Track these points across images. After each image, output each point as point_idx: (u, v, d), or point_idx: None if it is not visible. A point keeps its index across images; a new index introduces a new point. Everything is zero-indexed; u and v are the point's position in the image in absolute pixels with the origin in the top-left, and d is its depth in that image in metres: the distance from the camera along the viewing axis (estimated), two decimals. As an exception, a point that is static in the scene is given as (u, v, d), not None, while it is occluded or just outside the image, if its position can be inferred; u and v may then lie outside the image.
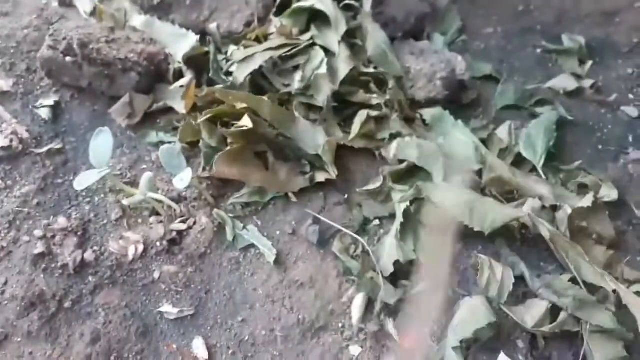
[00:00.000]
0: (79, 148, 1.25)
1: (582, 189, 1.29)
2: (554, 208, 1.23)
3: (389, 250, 1.10)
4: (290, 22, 1.42)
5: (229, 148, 1.19)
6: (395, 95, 1.34)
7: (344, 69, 1.31)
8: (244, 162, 1.22)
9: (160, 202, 1.16)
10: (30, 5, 1.51)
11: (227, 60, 1.38)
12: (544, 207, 1.23)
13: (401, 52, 1.46)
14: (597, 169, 1.39)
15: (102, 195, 1.18)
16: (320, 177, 1.21)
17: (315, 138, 1.24)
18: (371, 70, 1.37)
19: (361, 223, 1.19)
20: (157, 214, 1.17)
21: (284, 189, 1.22)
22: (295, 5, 1.42)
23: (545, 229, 1.15)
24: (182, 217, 1.17)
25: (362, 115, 1.32)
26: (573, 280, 1.09)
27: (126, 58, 1.29)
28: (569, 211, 1.19)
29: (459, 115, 1.40)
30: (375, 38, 1.42)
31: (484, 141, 1.37)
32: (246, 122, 1.20)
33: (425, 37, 1.58)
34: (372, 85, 1.37)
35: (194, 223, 1.16)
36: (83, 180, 1.05)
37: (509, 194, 1.28)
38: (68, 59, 1.25)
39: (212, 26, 1.45)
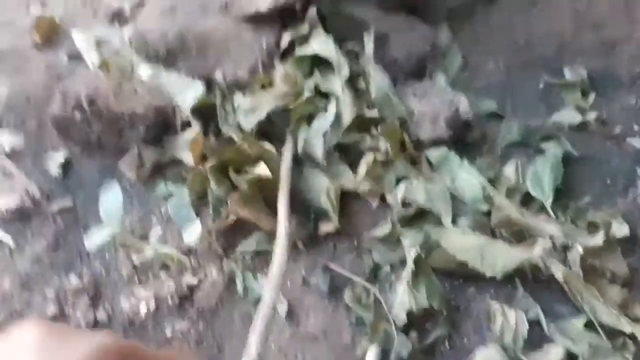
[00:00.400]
0: (89, 203, 1.26)
1: (593, 226, 1.28)
2: (565, 247, 1.23)
3: (401, 299, 1.09)
4: (294, 69, 1.44)
5: (241, 190, 1.20)
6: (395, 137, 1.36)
7: (347, 117, 1.32)
8: (255, 206, 1.23)
9: (170, 255, 1.16)
10: (39, 60, 1.55)
11: (234, 109, 1.40)
12: (554, 247, 1.23)
13: (404, 93, 1.47)
14: (607, 203, 1.38)
15: (113, 251, 1.18)
16: (327, 227, 1.22)
17: (319, 187, 1.25)
18: (375, 115, 1.38)
19: (372, 270, 1.19)
20: (168, 267, 1.17)
21: (292, 237, 1.22)
22: (298, 52, 1.44)
23: (558, 270, 1.15)
24: (192, 270, 1.17)
25: (368, 158, 1.33)
26: (589, 323, 1.08)
27: (134, 112, 1.31)
28: (581, 250, 1.19)
29: (464, 154, 1.40)
30: (377, 81, 1.43)
31: (491, 180, 1.37)
32: (263, 170, 1.21)
33: (428, 76, 1.59)
34: (377, 129, 1.38)
35: (205, 276, 1.16)
36: (94, 240, 1.07)
37: (519, 235, 1.27)
38: (77, 115, 1.28)
39: (218, 75, 1.47)
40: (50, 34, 1.67)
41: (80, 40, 1.64)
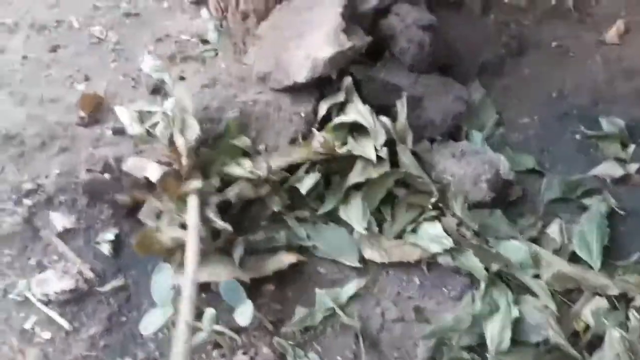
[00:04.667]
0: (141, 282, 1.29)
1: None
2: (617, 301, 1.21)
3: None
4: (332, 136, 1.47)
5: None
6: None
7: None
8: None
9: (221, 334, 1.18)
10: (86, 137, 1.60)
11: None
12: (608, 307, 1.21)
13: (442, 154, 1.48)
14: (658, 260, 1.35)
15: (166, 331, 1.20)
16: None
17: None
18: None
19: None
20: (219, 346, 1.19)
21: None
22: (336, 120, 1.47)
23: (614, 333, 1.13)
24: (243, 347, 1.18)
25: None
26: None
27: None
28: (638, 315, 1.16)
29: (506, 214, 1.40)
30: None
31: (534, 240, 1.36)
32: None
33: (463, 135, 1.60)
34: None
35: (256, 354, 1.17)
36: (148, 325, 1.09)
37: (571, 292, 1.26)
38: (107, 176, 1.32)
39: (260, 147, 1.50)
40: (95, 109, 1.74)
41: (124, 114, 1.71)
